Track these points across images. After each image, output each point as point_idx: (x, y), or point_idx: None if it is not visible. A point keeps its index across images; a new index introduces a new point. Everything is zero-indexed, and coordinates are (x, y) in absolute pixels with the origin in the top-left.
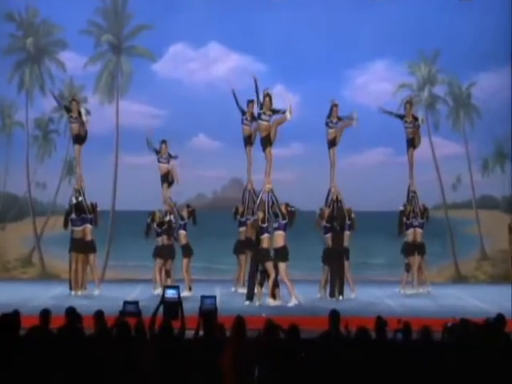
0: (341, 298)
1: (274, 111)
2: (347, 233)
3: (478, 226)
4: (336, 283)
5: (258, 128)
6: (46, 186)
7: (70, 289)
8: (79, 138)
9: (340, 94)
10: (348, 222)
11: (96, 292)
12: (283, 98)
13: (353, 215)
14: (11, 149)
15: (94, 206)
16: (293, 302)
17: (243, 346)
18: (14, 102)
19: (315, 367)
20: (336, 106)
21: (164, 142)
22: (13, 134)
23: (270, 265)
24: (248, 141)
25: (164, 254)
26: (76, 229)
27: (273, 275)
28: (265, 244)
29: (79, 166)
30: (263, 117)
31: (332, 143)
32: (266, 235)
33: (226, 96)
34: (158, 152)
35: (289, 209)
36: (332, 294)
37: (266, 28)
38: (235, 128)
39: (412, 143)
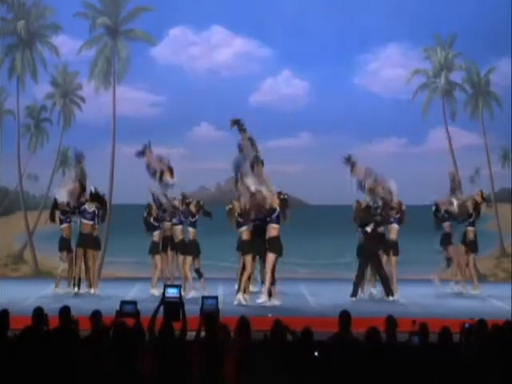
0: (391, 298)
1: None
2: (395, 226)
3: (497, 221)
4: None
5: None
6: (39, 178)
7: (75, 286)
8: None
9: (351, 80)
10: (397, 216)
11: (92, 291)
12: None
13: (403, 207)
14: (1, 138)
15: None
16: (262, 299)
17: (248, 347)
18: (4, 89)
19: (324, 370)
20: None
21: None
22: (3, 123)
23: (248, 259)
24: None
25: (191, 250)
26: (86, 222)
27: (249, 270)
28: (244, 236)
29: None
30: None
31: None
32: (243, 228)
33: (230, 82)
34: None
35: (281, 197)
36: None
37: (272, 10)
38: (240, 117)
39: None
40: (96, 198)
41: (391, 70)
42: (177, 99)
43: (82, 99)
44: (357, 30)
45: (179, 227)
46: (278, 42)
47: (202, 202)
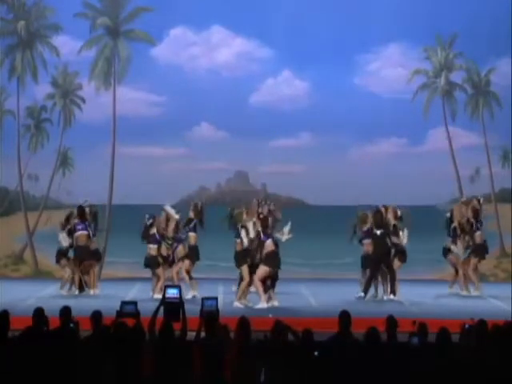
0: (392, 296)
1: None
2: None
3: (497, 221)
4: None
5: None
6: (39, 179)
7: (80, 290)
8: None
9: (351, 80)
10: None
11: (92, 292)
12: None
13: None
14: (1, 139)
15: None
16: (261, 306)
17: (248, 347)
18: (5, 89)
19: (325, 370)
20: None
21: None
22: (3, 123)
23: (244, 269)
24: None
25: (191, 256)
26: (80, 233)
27: (247, 280)
28: (238, 247)
29: None
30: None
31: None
32: (238, 240)
33: (230, 83)
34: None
35: (261, 217)
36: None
37: (272, 10)
38: (240, 117)
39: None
40: (81, 214)
41: (391, 69)
42: (177, 99)
43: (83, 99)
44: (357, 30)
45: (181, 246)
46: (278, 42)
47: (200, 204)
